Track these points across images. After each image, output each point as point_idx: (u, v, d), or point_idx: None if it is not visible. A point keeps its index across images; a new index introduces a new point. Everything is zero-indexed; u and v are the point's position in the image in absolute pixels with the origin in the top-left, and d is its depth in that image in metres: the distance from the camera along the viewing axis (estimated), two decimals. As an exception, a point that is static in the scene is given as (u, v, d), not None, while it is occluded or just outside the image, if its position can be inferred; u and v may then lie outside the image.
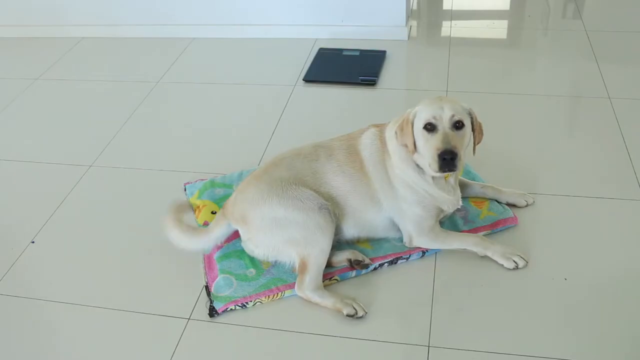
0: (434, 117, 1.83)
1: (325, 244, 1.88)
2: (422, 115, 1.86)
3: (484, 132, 1.98)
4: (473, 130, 1.92)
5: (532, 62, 3.32)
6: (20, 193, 2.53)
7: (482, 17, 3.86)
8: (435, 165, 1.82)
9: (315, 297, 1.84)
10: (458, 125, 1.84)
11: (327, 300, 1.83)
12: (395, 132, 1.95)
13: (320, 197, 1.94)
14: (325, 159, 2.02)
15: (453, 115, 1.83)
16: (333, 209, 1.97)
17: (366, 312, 1.80)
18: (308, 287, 1.85)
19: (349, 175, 1.99)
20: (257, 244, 1.97)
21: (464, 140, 1.86)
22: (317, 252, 1.86)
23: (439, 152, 1.80)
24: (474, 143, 1.95)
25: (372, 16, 3.55)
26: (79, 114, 3.09)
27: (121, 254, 2.15)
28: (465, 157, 1.94)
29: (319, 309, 1.85)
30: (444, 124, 1.83)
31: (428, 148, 1.84)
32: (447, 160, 1.79)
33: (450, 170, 1.83)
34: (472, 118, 1.90)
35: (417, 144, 1.88)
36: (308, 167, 2.00)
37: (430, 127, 1.84)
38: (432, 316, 1.81)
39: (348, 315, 1.79)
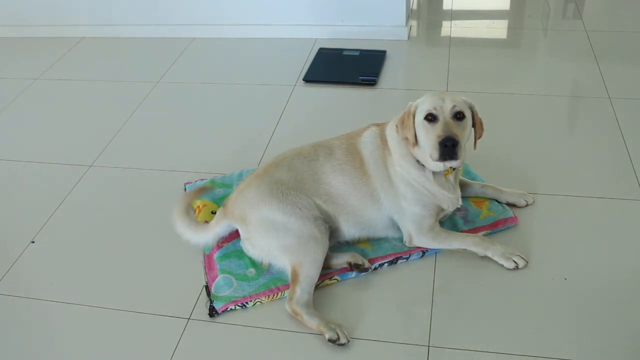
0: (435, 108, 1.84)
1: (318, 254, 1.87)
2: (424, 106, 1.87)
3: (485, 129, 1.98)
4: (474, 125, 1.92)
5: (532, 62, 3.32)
6: (20, 193, 2.53)
7: (482, 17, 3.86)
8: (436, 154, 1.81)
9: (304, 314, 1.79)
10: (459, 116, 1.85)
11: (312, 321, 1.78)
12: (396, 126, 1.95)
13: (316, 209, 1.95)
14: (325, 159, 2.02)
15: (454, 106, 1.84)
16: (333, 210, 1.98)
17: (349, 340, 1.74)
18: (299, 301, 1.81)
19: (349, 174, 1.99)
20: (253, 244, 1.98)
21: (465, 132, 1.86)
22: (309, 261, 1.85)
23: (439, 139, 1.79)
24: (475, 137, 1.95)
25: (372, 16, 3.55)
26: (79, 114, 3.09)
27: (121, 253, 2.15)
28: (466, 155, 1.95)
29: (319, 309, 1.85)
30: (445, 114, 1.83)
31: (429, 137, 1.84)
32: (448, 147, 1.78)
33: (451, 159, 1.81)
34: (472, 112, 1.91)
35: (418, 135, 1.88)
36: (308, 167, 2.00)
37: (431, 118, 1.85)
38: (432, 316, 1.81)
39: (330, 340, 1.73)
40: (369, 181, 1.98)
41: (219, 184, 2.38)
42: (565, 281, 1.89)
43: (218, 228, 2.03)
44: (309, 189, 1.97)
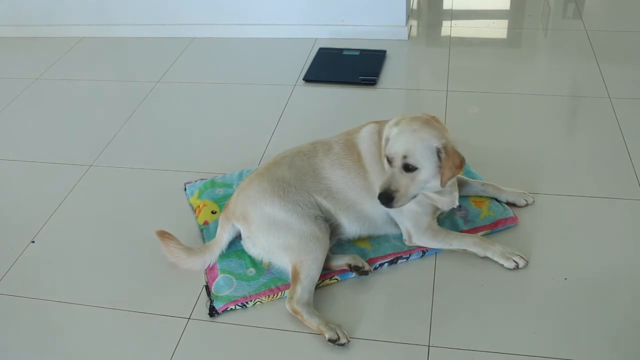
0: (390, 154, 1.83)
1: (319, 252, 1.87)
2: (388, 145, 1.85)
3: (461, 166, 1.84)
4: (443, 165, 1.82)
5: (532, 62, 3.32)
6: (20, 193, 2.53)
7: (482, 17, 3.86)
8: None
9: (304, 313, 1.79)
10: (409, 168, 1.81)
11: (312, 320, 1.78)
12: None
13: (317, 207, 1.95)
14: (324, 154, 2.03)
15: (405, 157, 1.80)
16: (333, 206, 1.99)
17: (349, 340, 1.74)
18: (299, 300, 1.81)
19: (347, 168, 1.99)
20: (254, 242, 1.98)
21: (415, 181, 1.82)
22: (310, 260, 1.86)
23: (380, 190, 1.82)
24: (442, 177, 1.83)
25: (372, 16, 3.55)
26: (79, 114, 3.09)
27: (121, 253, 2.15)
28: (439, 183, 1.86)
29: (319, 309, 1.85)
30: (396, 164, 1.82)
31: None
32: (383, 200, 1.82)
33: (386, 207, 1.84)
34: (439, 156, 1.81)
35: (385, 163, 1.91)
36: (308, 164, 2.01)
37: (388, 161, 1.85)
38: (432, 316, 1.81)
39: (330, 340, 1.73)
40: (366, 176, 1.99)
41: (219, 184, 2.38)
42: (565, 281, 1.89)
43: (226, 235, 2.03)
44: (310, 186, 1.98)
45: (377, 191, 1.84)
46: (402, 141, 1.81)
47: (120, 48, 3.76)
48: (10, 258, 2.17)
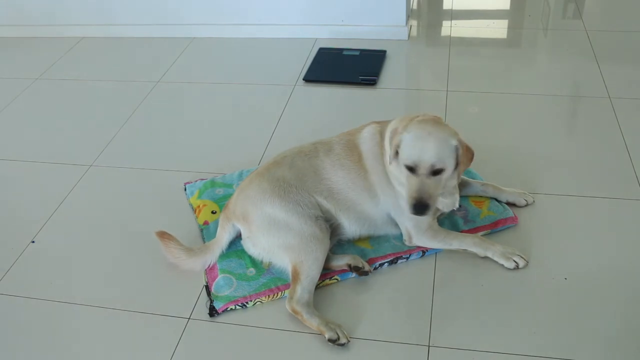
0: (414, 162, 1.80)
1: (320, 253, 1.87)
2: (405, 153, 1.81)
3: (474, 157, 1.93)
4: (460, 161, 1.85)
5: (532, 62, 3.32)
6: (20, 193, 2.53)
7: (482, 17, 3.86)
8: (409, 209, 1.82)
9: (304, 313, 1.79)
10: (436, 172, 1.81)
11: (313, 320, 1.78)
12: (391, 133, 1.93)
13: (318, 208, 1.95)
14: (325, 155, 2.03)
15: (432, 165, 1.78)
16: (334, 206, 1.99)
17: (349, 340, 1.74)
18: (299, 300, 1.81)
19: (348, 168, 1.99)
20: (254, 242, 1.98)
21: (441, 183, 1.83)
22: (310, 260, 1.85)
23: (412, 200, 1.80)
24: (458, 172, 1.87)
25: (372, 16, 3.55)
26: (79, 114, 3.09)
27: (121, 254, 2.15)
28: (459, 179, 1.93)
29: (319, 309, 1.85)
30: (423, 171, 1.80)
31: (406, 187, 1.84)
32: (419, 210, 1.80)
33: (421, 215, 1.82)
34: (457, 152, 1.82)
35: (400, 174, 1.88)
36: (309, 164, 2.01)
37: (410, 169, 1.82)
38: (432, 316, 1.81)
39: (330, 340, 1.73)
40: (367, 176, 1.99)
41: (219, 184, 2.38)
42: (566, 281, 1.89)
43: (226, 236, 2.03)
44: (310, 186, 1.98)
45: (409, 202, 1.80)
46: (424, 147, 1.79)
47: (120, 48, 3.76)
48: (10, 258, 2.17)
